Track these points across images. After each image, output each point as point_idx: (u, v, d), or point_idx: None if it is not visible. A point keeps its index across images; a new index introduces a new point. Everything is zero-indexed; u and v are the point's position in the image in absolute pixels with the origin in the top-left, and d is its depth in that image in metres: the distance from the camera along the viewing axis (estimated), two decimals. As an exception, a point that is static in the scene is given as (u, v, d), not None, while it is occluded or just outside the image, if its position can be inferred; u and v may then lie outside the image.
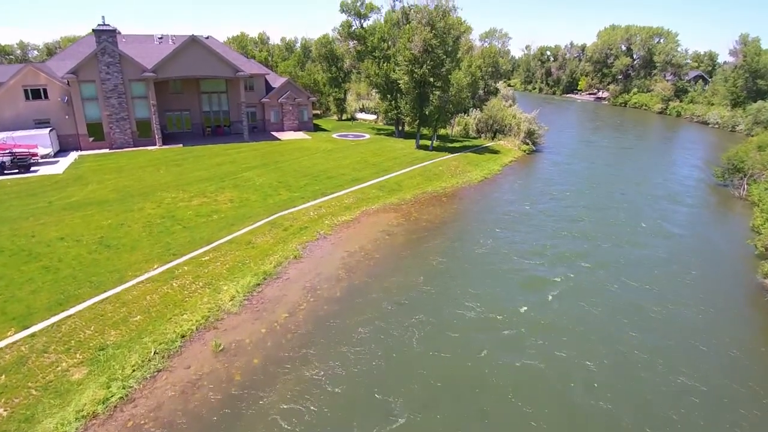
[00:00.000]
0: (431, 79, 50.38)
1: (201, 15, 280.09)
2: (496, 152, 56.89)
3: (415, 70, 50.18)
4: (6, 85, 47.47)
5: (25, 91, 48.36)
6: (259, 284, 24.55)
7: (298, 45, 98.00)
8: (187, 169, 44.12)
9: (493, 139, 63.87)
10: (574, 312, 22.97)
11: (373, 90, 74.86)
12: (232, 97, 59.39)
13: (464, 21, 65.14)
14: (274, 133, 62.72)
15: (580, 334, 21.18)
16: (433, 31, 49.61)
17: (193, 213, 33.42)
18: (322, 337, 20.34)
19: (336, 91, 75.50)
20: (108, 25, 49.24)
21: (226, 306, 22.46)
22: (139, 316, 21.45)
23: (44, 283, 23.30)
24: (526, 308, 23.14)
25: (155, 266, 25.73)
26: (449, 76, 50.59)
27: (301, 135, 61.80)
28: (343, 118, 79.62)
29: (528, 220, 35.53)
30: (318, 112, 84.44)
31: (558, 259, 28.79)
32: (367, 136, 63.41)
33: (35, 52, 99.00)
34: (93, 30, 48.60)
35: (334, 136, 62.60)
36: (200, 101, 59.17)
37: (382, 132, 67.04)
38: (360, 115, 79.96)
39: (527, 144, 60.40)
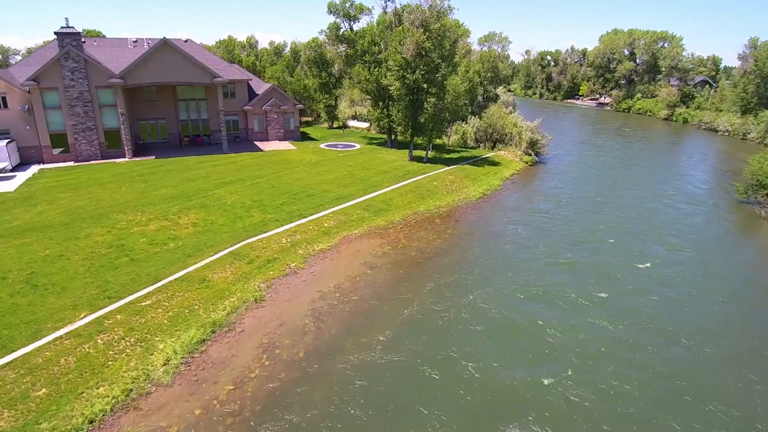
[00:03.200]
0: (425, 86, 46.01)
1: (196, 20, 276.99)
2: (496, 164, 52.40)
3: (407, 76, 45.81)
4: (-43, 92, 43.14)
5: (-19, 99, 44.04)
6: (204, 340, 20.01)
7: (288, 49, 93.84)
8: (153, 185, 39.67)
9: (492, 149, 59.38)
10: (604, 390, 18.13)
11: (367, 96, 70.73)
12: (212, 105, 55.07)
13: (462, 24, 61.01)
14: (257, 143, 58.33)
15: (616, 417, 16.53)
16: (427, 34, 45.24)
17: (147, 241, 28.92)
18: (271, 423, 15.74)
19: (326, 98, 71.20)
20: (72, 27, 44.97)
21: (156, 373, 17.90)
22: (44, 389, 16.92)
23: (-64, 341, 18.81)
24: (543, 381, 18.47)
25: (82, 315, 21.22)
26: (445, 82, 46.18)
27: (286, 145, 57.39)
28: (335, 126, 75.29)
29: (534, 250, 30.93)
30: (309, 119, 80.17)
31: (575, 308, 23.88)
32: (358, 146, 58.95)
33: (18, 58, 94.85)
34: (55, 33, 44.28)
35: (322, 146, 58.17)
36: (177, 109, 54.85)
37: (374, 141, 62.61)
38: (352, 123, 75.61)
39: (529, 155, 55.92)
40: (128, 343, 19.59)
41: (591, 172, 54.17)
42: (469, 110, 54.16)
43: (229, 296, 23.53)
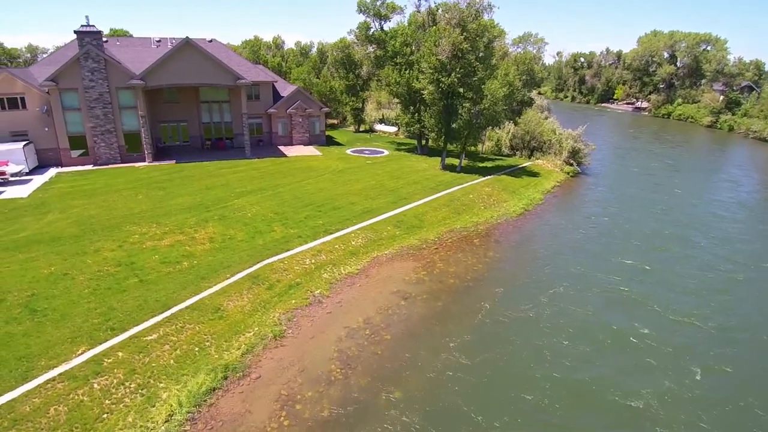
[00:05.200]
0: (461, 90, 42.59)
1: (225, 19, 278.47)
2: (535, 174, 48.62)
3: (442, 79, 42.50)
4: (-24, 92, 41.77)
5: (0, 99, 42.59)
6: (214, 389, 17.20)
7: (314, 50, 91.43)
8: (170, 193, 37.42)
9: (530, 158, 55.53)
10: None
11: (394, 99, 67.72)
12: (235, 107, 52.81)
13: (497, 24, 57.30)
14: (281, 147, 55.87)
15: None
16: (464, 34, 41.88)
17: (159, 258, 26.44)
18: None
19: (353, 101, 68.38)
20: (92, 26, 43.18)
21: (156, 433, 15.17)
22: (24, 450, 14.35)
23: None
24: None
25: (80, 350, 18.70)
26: (482, 86, 42.70)
27: (310, 150, 54.74)
28: (361, 129, 72.43)
29: (589, 279, 27.32)
30: (334, 122, 77.56)
31: (645, 367, 20.13)
32: (386, 152, 55.89)
33: (45, 56, 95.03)
34: (75, 32, 42.54)
35: (348, 151, 55.31)
36: (199, 111, 52.78)
37: (402, 147, 59.46)
38: (379, 127, 72.62)
39: (571, 165, 51.91)
40: (128, 390, 16.93)
41: (640, 185, 49.85)
42: (507, 116, 50.41)
43: (245, 330, 20.73)
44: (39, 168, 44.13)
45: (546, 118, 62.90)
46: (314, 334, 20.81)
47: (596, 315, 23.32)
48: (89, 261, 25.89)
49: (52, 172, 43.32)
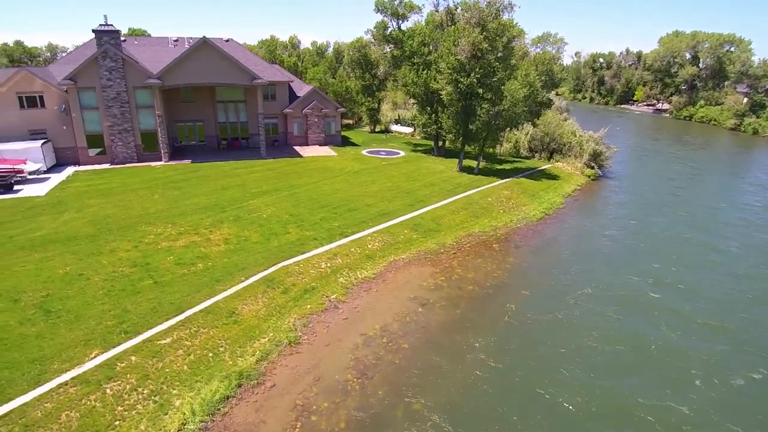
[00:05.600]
0: (480, 90, 41.73)
1: (242, 19, 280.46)
2: (555, 178, 47.52)
3: (461, 80, 41.68)
4: (-4, 91, 42.11)
5: (20, 98, 42.89)
6: (228, 397, 16.74)
7: (330, 49, 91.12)
8: (186, 193, 37.24)
9: (549, 160, 54.35)
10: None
11: (411, 100, 67.04)
12: (251, 107, 52.61)
13: (516, 23, 56.27)
14: (296, 147, 55.55)
15: None
16: (484, 33, 41.02)
17: (174, 260, 26.14)
18: None
19: (369, 101, 67.84)
20: (111, 25, 43.26)
21: (168, 443, 14.74)
22: (35, 458, 14.02)
23: (-74, 384, 16.31)
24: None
25: (93, 353, 18.40)
26: (502, 87, 41.78)
27: (326, 151, 54.33)
28: (377, 130, 71.86)
29: (615, 286, 26.36)
30: (350, 122, 77.12)
31: (677, 376, 19.28)
32: (402, 153, 55.22)
33: (64, 55, 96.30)
34: (93, 30, 42.65)
35: (364, 152, 54.76)
36: (215, 111, 52.69)
37: (419, 148, 58.72)
38: (395, 127, 71.98)
39: (592, 168, 50.65)
40: (141, 396, 16.55)
41: (664, 189, 48.47)
42: (527, 117, 49.34)
43: (260, 336, 20.27)
44: (57, 166, 44.36)
45: (565, 120, 61.62)
46: (330, 341, 20.25)
47: (622, 324, 22.38)
48: (104, 261, 25.70)
49: (70, 170, 43.50)
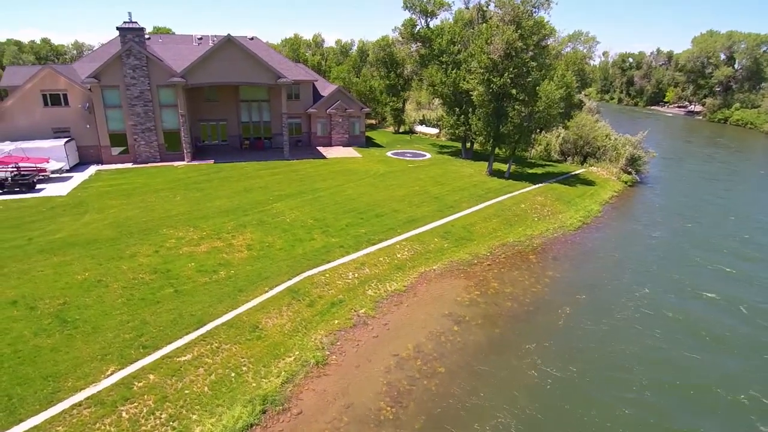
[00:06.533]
0: (513, 91, 39.76)
1: (264, 17, 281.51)
2: (589, 183, 45.22)
3: (494, 80, 39.77)
4: (22, 89, 41.89)
5: (44, 96, 42.62)
6: (251, 425, 15.38)
7: (355, 48, 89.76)
8: (208, 195, 36.25)
9: (582, 165, 51.97)
10: None
11: (436, 100, 65.24)
12: (275, 107, 51.58)
13: (547, 21, 54.01)
14: (320, 148, 54.34)
15: None
16: (519, 31, 39.06)
17: (196, 267, 25.02)
18: None
19: (394, 101, 66.26)
20: (135, 22, 42.63)
21: (187, 479, 13.42)
22: (43, 491, 12.85)
23: (-65, 401, 15.34)
24: None
25: (110, 370, 17.27)
26: (537, 88, 39.75)
27: (350, 152, 52.97)
28: (401, 130, 70.25)
29: (664, 305, 24.28)
30: (373, 122, 75.68)
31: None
32: (428, 155, 53.50)
33: (89, 53, 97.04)
34: (117, 28, 42.04)
35: (389, 154, 53.23)
36: (239, 110, 51.83)
37: (445, 150, 56.92)
38: (419, 128, 70.25)
39: (629, 173, 48.14)
40: (158, 422, 15.32)
41: (706, 194, 45.80)
42: (563, 120, 47.07)
43: (285, 354, 18.90)
44: (80, 165, 43.96)
45: (597, 122, 59.08)
46: (360, 362, 18.76)
47: (680, 350, 20.37)
48: (124, 267, 24.72)
49: (92, 169, 43.03)
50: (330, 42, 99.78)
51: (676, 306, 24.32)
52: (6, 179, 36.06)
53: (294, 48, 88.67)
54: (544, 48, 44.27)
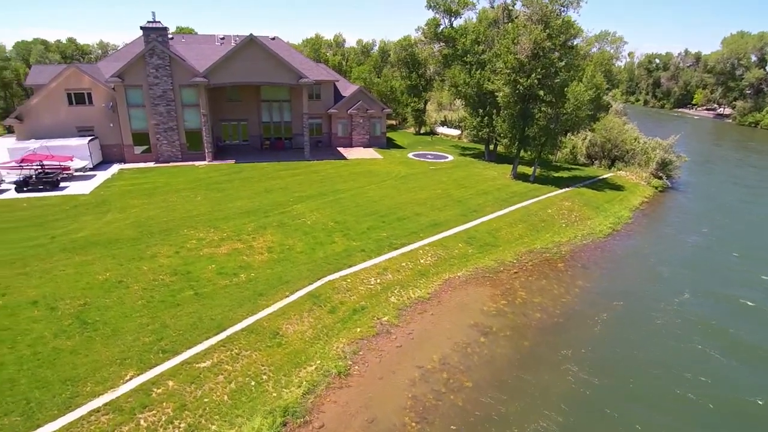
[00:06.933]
0: (540, 92, 38.63)
1: (285, 17, 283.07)
2: (618, 188, 43.75)
3: (520, 80, 38.70)
4: (47, 87, 42.29)
5: (68, 95, 43.01)
6: (271, 439, 14.80)
7: (376, 48, 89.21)
8: (229, 195, 36.00)
9: (610, 169, 50.41)
10: None
11: (458, 101, 64.23)
12: (296, 107, 51.28)
13: (574, 21, 52.58)
14: (340, 149, 53.87)
15: None
16: (548, 31, 37.93)
17: (216, 269, 24.64)
18: None
19: (415, 101, 65.45)
20: (158, 22, 42.70)
21: (205, 496, 12.89)
22: (59, 502, 12.45)
23: (-46, 403, 15.13)
24: None
25: (129, 375, 16.89)
26: (566, 89, 38.55)
27: (371, 153, 52.37)
28: (422, 131, 69.41)
29: (706, 320, 23.03)
30: (393, 122, 74.98)
31: None
32: (450, 157, 52.58)
33: (113, 53, 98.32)
34: (141, 28, 42.15)
35: (410, 155, 52.48)
36: (260, 110, 51.67)
37: (467, 152, 55.91)
38: (441, 129, 69.31)
39: (660, 178, 46.46)
40: (177, 431, 14.84)
41: (740, 200, 43.93)
42: (590, 122, 45.65)
43: (307, 363, 18.30)
44: (103, 163, 44.26)
45: (624, 124, 57.38)
46: (383, 373, 18.05)
47: (725, 363, 19.18)
48: (145, 268, 24.47)
49: (115, 168, 43.25)
50: (351, 42, 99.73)
51: (716, 315, 23.07)
52: (31, 177, 36.35)
53: (315, 48, 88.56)
54: (571, 48, 43.01)
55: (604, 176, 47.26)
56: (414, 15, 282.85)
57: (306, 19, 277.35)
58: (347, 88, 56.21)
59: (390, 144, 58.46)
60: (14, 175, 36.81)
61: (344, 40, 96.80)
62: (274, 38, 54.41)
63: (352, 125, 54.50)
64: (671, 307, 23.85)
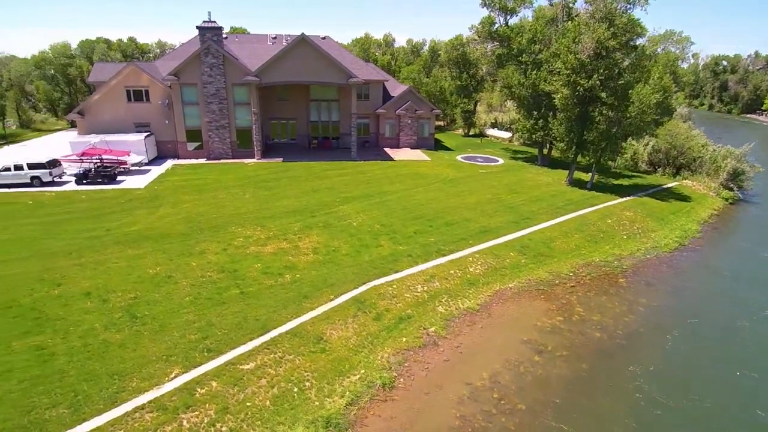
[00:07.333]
0: (602, 94, 36.42)
1: (335, 17, 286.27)
2: (684, 198, 40.73)
3: (581, 81, 36.64)
4: (108, 85, 43.98)
5: (127, 92, 44.60)
6: (313, 452, 14.17)
7: (426, 48, 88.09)
8: (276, 194, 36.07)
9: (674, 177, 47.15)
10: None
11: (508, 102, 62.20)
12: (344, 107, 51.07)
13: (638, 19, 49.48)
14: (387, 149, 53.25)
15: None
16: (612, 29, 35.72)
17: (262, 268, 24.48)
18: None
19: (465, 102, 63.92)
20: (214, 21, 43.50)
21: None
22: (101, 502, 12.29)
23: (10, 391, 15.41)
24: None
25: (174, 373, 16.78)
26: (630, 92, 36.18)
27: (418, 155, 51.43)
28: (470, 133, 67.77)
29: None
30: (441, 123, 73.71)
31: None
32: (501, 160, 50.84)
33: (170, 52, 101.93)
34: (197, 27, 43.07)
35: (459, 158, 51.13)
36: (308, 109, 51.83)
37: (519, 155, 53.95)
38: (490, 131, 67.42)
39: (730, 189, 42.96)
40: (217, 436, 14.50)
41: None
42: (655, 127, 42.75)
43: (350, 372, 17.62)
44: (157, 159, 45.59)
45: (690, 129, 53.62)
46: (430, 388, 17.10)
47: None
48: (194, 264, 24.63)
49: (169, 164, 44.42)
50: (401, 42, 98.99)
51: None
52: (90, 170, 37.81)
53: (364, 48, 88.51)
54: (634, 48, 40.40)
55: (669, 185, 44.14)
56: (465, 14, 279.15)
57: (356, 19, 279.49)
58: (396, 88, 55.52)
59: (438, 146, 57.30)
60: (75, 168, 38.38)
61: (394, 40, 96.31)
62: (324, 38, 54.48)
63: (400, 126, 53.74)
64: (749, 329, 21.56)
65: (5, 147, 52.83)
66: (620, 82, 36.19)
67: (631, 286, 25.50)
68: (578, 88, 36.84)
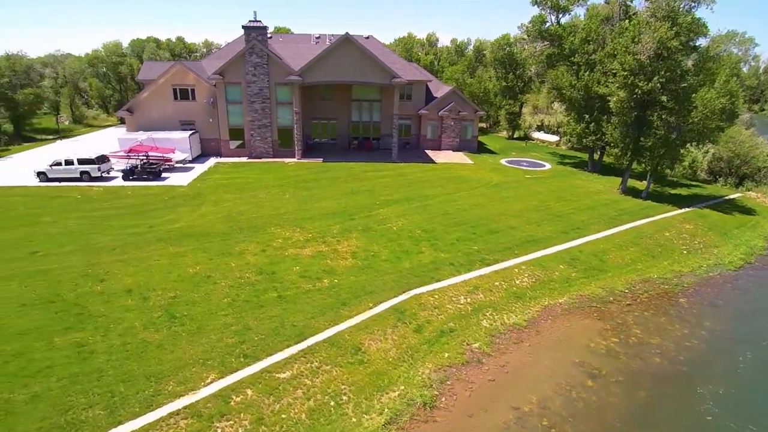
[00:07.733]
0: (663, 98, 34.09)
1: (378, 16, 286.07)
2: (749, 212, 37.71)
3: (639, 84, 34.43)
4: (156, 83, 44.90)
5: (174, 90, 45.41)
6: (350, 475, 13.39)
7: (471, 47, 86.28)
8: (315, 195, 35.69)
9: (737, 188, 43.87)
10: None
11: (555, 104, 59.87)
12: (386, 107, 50.33)
13: (700, 18, 46.31)
14: (428, 151, 52.17)
15: None
16: (675, 29, 33.36)
17: (300, 271, 23.99)
18: None
19: (510, 104, 61.95)
20: (259, 21, 43.63)
21: None
22: None
23: (49, 389, 15.40)
24: None
25: (210, 378, 16.41)
26: (693, 96, 33.72)
27: (460, 157, 50.07)
28: (515, 136, 65.69)
29: None
30: (484, 125, 71.88)
31: None
32: (547, 165, 48.81)
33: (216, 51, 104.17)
34: (243, 27, 43.33)
35: (503, 162, 49.45)
36: (350, 109, 51.40)
37: (567, 160, 51.69)
38: (536, 134, 65.15)
39: (802, 203, 39.56)
40: (251, 450, 13.94)
41: None
42: (717, 134, 39.72)
43: (389, 388, 16.76)
44: (201, 156, 46.21)
45: (754, 136, 49.82)
46: (473, 410, 16.01)
47: None
48: (233, 264, 24.43)
49: (212, 161, 44.92)
50: (445, 41, 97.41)
51: None
52: (136, 166, 38.58)
53: (407, 47, 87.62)
54: (695, 49, 37.73)
55: (731, 197, 41.05)
56: (512, 13, 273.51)
57: (400, 18, 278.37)
58: (439, 89, 54.34)
59: (481, 148, 55.73)
60: (122, 164, 39.27)
61: (437, 39, 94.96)
62: (368, 37, 53.91)
63: (442, 127, 52.52)
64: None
65: (58, 141, 55.08)
66: (682, 85, 33.76)
67: (693, 307, 23.47)
68: (636, 90, 34.60)
